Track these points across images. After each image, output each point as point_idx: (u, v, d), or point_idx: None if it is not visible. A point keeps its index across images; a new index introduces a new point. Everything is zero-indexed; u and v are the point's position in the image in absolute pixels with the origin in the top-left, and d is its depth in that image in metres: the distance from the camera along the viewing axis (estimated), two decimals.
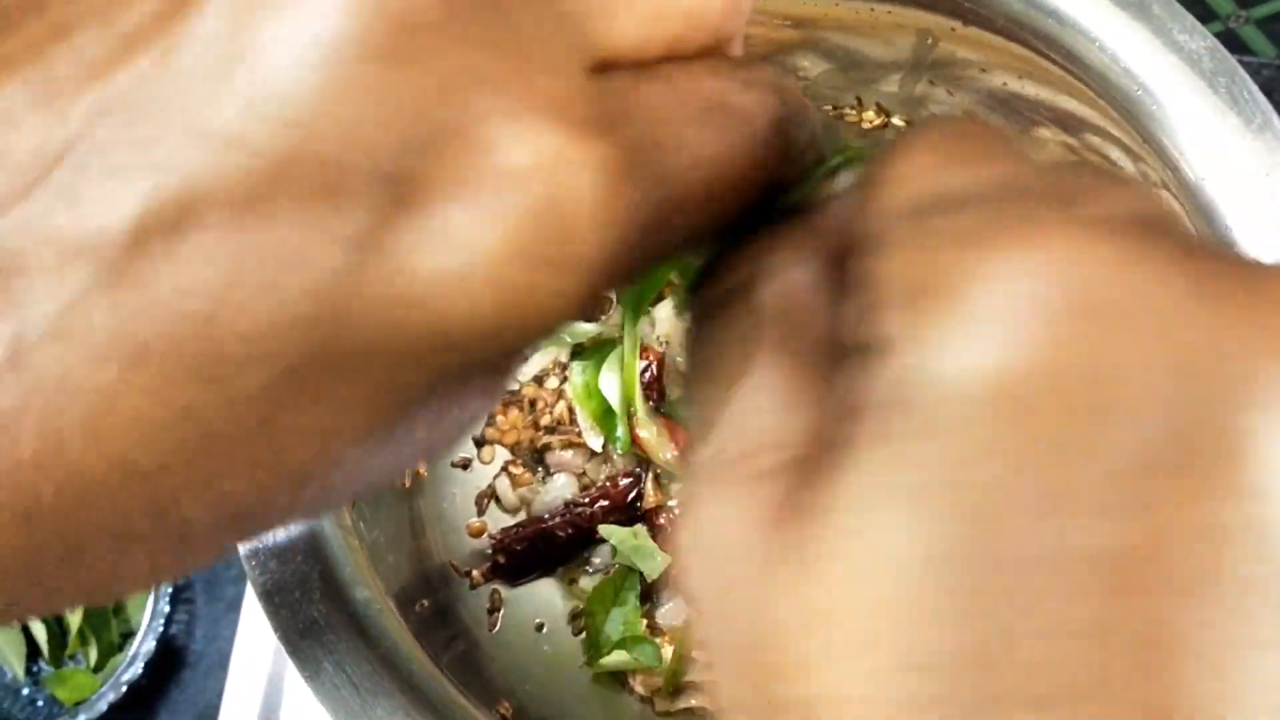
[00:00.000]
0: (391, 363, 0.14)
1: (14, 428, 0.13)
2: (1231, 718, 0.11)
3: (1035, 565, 0.12)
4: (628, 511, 0.54)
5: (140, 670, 0.61)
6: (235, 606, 0.65)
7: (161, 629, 0.61)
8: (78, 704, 0.62)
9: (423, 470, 0.53)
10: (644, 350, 0.56)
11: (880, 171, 0.16)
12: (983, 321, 0.12)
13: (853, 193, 0.17)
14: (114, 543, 0.14)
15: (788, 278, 0.17)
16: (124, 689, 0.60)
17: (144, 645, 0.61)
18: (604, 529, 0.52)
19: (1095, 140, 0.50)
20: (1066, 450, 0.12)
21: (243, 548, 0.39)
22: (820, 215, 0.18)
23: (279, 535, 0.39)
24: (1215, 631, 0.11)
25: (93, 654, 0.65)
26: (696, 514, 0.15)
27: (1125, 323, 0.12)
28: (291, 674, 0.61)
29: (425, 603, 0.47)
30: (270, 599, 0.38)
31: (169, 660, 0.66)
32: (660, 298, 0.58)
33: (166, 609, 0.62)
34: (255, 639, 0.61)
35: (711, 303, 0.18)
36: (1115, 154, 0.49)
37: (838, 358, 0.15)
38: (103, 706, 0.60)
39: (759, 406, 0.16)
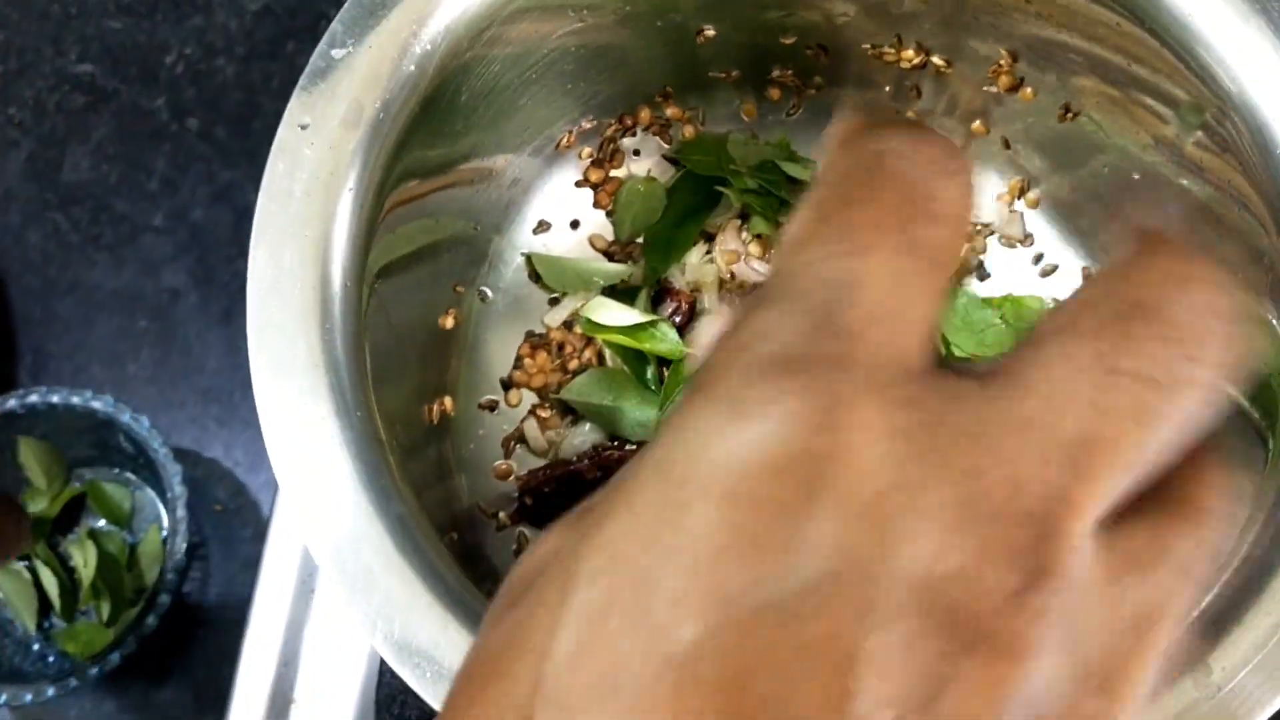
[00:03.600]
0: None
1: None
2: None
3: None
4: None
5: (154, 624, 0.59)
6: (251, 565, 0.64)
7: (176, 584, 0.60)
8: (90, 658, 0.60)
9: (450, 410, 0.52)
10: (673, 294, 0.55)
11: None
12: None
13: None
14: None
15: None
16: (137, 644, 0.59)
17: (158, 599, 0.60)
18: None
19: (1138, 94, 0.49)
20: None
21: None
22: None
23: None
24: None
25: (105, 609, 0.63)
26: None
27: None
28: (309, 634, 0.60)
29: (454, 536, 0.46)
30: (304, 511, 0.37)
31: (182, 618, 0.65)
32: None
33: (182, 564, 0.60)
34: (274, 598, 0.60)
35: None
36: (1155, 104, 0.49)
37: None
38: (115, 660, 0.59)
39: None
